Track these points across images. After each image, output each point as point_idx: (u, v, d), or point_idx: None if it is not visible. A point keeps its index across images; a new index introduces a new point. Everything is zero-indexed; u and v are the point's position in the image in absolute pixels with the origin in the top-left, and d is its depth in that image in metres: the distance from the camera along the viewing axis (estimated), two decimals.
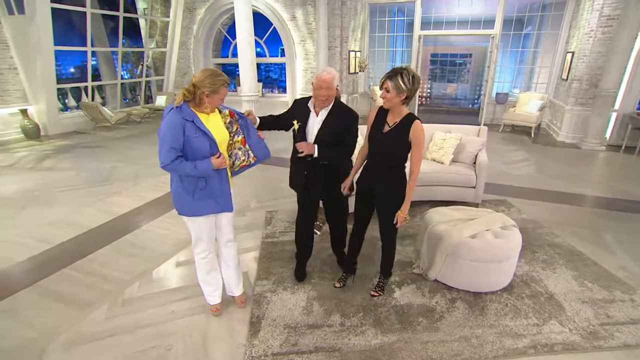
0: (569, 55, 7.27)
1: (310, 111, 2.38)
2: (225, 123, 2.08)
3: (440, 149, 4.04)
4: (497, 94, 8.81)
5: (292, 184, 2.64)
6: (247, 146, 2.22)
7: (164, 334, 2.20)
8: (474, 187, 3.86)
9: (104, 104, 9.46)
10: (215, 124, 2.01)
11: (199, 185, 1.96)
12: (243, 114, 2.22)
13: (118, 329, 2.24)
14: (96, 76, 10.01)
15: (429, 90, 13.20)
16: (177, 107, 1.86)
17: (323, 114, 2.35)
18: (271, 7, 9.21)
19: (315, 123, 2.36)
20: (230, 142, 2.16)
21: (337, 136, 2.34)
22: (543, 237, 3.42)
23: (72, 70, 12.20)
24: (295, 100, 2.53)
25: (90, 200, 4.28)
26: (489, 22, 8.45)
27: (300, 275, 2.76)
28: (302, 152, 2.25)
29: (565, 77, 7.39)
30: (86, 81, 8.70)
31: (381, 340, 2.17)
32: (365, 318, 2.35)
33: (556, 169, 5.47)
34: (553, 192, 4.53)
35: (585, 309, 2.43)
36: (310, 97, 2.41)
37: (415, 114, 8.26)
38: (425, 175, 3.81)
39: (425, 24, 9.19)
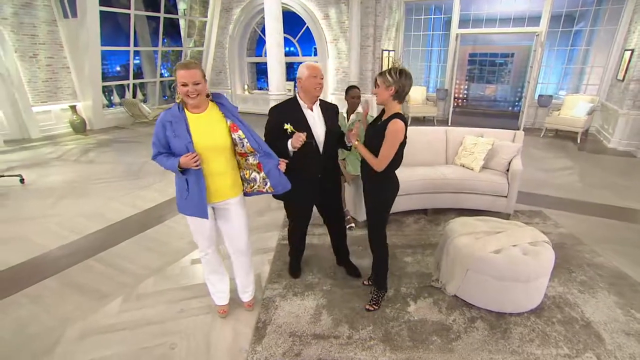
0: (627, 54, 6.58)
1: (302, 110, 2.26)
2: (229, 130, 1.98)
3: (471, 154, 3.79)
4: (540, 96, 8.19)
5: (294, 196, 2.36)
6: (262, 173, 2.07)
7: (170, 332, 2.22)
8: (505, 197, 3.58)
9: (145, 101, 9.97)
10: (206, 126, 1.90)
11: (184, 186, 1.93)
12: (255, 134, 2.03)
13: (128, 324, 2.29)
14: (140, 74, 10.57)
15: (466, 92, 12.59)
16: (168, 108, 1.88)
17: (316, 108, 2.30)
18: (305, 6, 9.22)
19: (316, 120, 2.27)
20: (244, 161, 2.06)
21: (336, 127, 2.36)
22: (582, 255, 3.09)
23: (117, 68, 12.97)
24: (274, 109, 2.30)
25: (120, 193, 4.49)
26: (534, 19, 7.87)
27: (298, 271, 2.80)
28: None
29: (621, 78, 6.71)
30: (129, 79, 9.22)
31: (389, 357, 2.04)
32: (374, 332, 2.23)
33: (603, 179, 4.96)
34: (598, 205, 4.10)
35: (630, 343, 2.14)
36: (289, 100, 2.30)
37: (450, 115, 7.86)
38: (453, 182, 3.61)
39: (463, 22, 8.76)
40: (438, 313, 2.40)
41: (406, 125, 2.08)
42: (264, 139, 2.25)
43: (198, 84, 1.80)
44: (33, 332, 2.23)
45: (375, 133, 2.14)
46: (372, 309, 2.43)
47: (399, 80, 2.02)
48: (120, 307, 2.44)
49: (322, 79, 2.22)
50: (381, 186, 2.23)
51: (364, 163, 2.25)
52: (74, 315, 2.37)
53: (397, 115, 2.06)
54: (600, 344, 2.13)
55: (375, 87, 2.12)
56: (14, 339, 2.19)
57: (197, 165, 1.82)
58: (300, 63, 2.35)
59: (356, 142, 2.19)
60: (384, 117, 2.13)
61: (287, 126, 2.19)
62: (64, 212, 3.97)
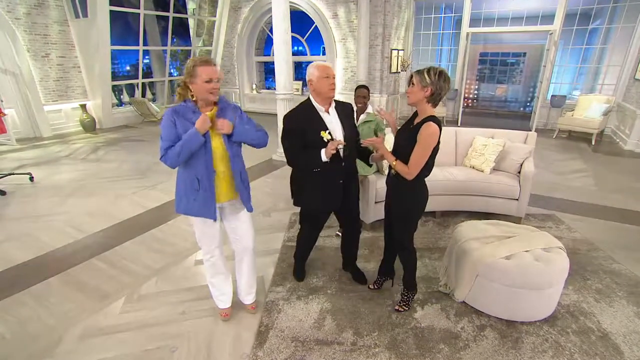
0: None
1: (320, 114, 2.15)
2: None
3: (481, 156, 3.68)
4: (552, 96, 8.00)
5: (317, 203, 2.32)
6: None
7: (170, 335, 2.18)
8: (517, 200, 3.47)
9: (154, 100, 10.03)
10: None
11: (194, 186, 1.90)
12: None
13: (129, 325, 2.26)
14: (149, 73, 10.65)
15: (476, 92, 12.39)
16: (175, 106, 1.84)
17: (332, 110, 2.19)
18: (313, 5, 9.16)
19: (334, 123, 2.17)
20: None
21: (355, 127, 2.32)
22: (598, 261, 2.97)
23: (127, 68, 13.11)
24: (289, 117, 2.16)
25: (126, 192, 4.49)
26: (548, 17, 7.68)
27: (302, 274, 2.75)
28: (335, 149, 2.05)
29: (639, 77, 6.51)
30: (138, 78, 9.29)
31: None
32: (379, 338, 2.16)
33: (620, 182, 4.79)
34: (614, 209, 3.95)
35: None
36: (303, 104, 2.18)
37: (460, 116, 7.70)
38: (462, 184, 3.51)
39: (474, 21, 8.61)
40: (446, 320, 2.32)
41: (440, 129, 1.94)
42: (284, 153, 2.20)
43: (219, 80, 1.79)
44: (34, 331, 2.22)
45: (408, 137, 2.01)
46: (402, 309, 2.38)
47: (437, 82, 1.86)
48: (122, 308, 2.42)
49: (335, 77, 2.11)
50: (408, 195, 2.12)
51: (391, 168, 2.15)
52: (76, 315, 2.35)
53: (431, 119, 1.92)
54: (618, 357, 2.02)
55: (410, 85, 1.97)
56: (15, 338, 2.18)
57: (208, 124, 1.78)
58: (309, 62, 2.27)
59: (382, 153, 2.08)
60: (417, 120, 2.00)
61: (324, 134, 2.07)
62: (71, 210, 3.99)
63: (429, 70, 1.88)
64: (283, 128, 2.19)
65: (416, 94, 1.93)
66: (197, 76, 1.74)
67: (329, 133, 2.10)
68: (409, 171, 1.97)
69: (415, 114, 2.07)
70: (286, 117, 2.18)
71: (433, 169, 3.52)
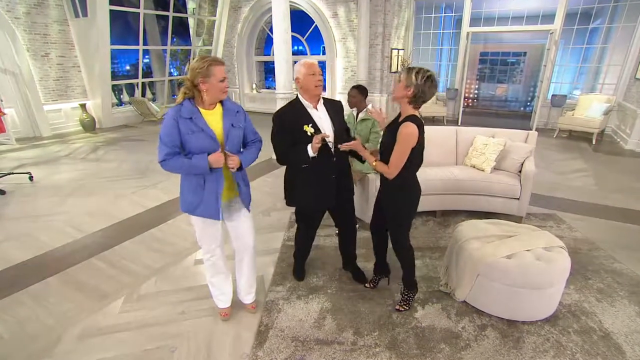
0: None
1: (308, 111, 2.16)
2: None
3: (481, 155, 3.67)
4: (553, 95, 7.99)
5: (310, 200, 2.33)
6: None
7: (170, 335, 2.17)
8: (517, 199, 3.45)
9: (154, 100, 10.02)
10: (217, 123, 1.88)
11: (199, 186, 1.89)
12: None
13: (129, 325, 2.25)
14: (149, 73, 10.64)
15: (476, 91, 12.37)
16: (177, 104, 1.81)
17: (321, 107, 2.21)
18: (313, 5, 9.16)
19: (323, 119, 2.18)
20: None
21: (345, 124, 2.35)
22: (599, 260, 2.96)
23: (127, 67, 13.10)
24: (280, 115, 2.16)
25: (126, 192, 4.48)
26: (548, 17, 7.67)
27: (302, 273, 2.74)
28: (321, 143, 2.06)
29: None
30: (138, 78, 9.28)
31: None
32: (380, 338, 2.15)
33: (620, 182, 4.78)
34: (615, 209, 3.94)
35: None
36: (292, 102, 2.20)
37: (460, 115, 7.68)
38: (463, 183, 3.50)
39: (475, 20, 8.60)
40: (447, 319, 2.31)
41: (421, 129, 1.93)
42: (274, 150, 2.20)
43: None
44: (33, 331, 2.21)
45: (390, 136, 2.02)
46: (403, 309, 2.37)
47: (421, 85, 1.86)
48: (121, 308, 2.41)
49: (321, 74, 2.14)
50: (398, 195, 2.13)
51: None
52: (75, 315, 2.34)
53: (411, 118, 1.92)
54: (620, 357, 2.01)
55: (398, 81, 1.97)
56: (14, 338, 2.17)
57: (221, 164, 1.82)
58: None
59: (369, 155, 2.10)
60: (400, 119, 2.00)
61: (307, 128, 2.09)
62: (70, 209, 3.98)
63: (417, 71, 1.88)
64: (272, 126, 2.21)
65: (400, 91, 1.94)
66: (213, 75, 1.74)
67: (312, 126, 2.11)
68: (389, 170, 2.00)
69: (398, 117, 2.08)
70: (275, 115, 2.20)
71: (434, 169, 3.57)
